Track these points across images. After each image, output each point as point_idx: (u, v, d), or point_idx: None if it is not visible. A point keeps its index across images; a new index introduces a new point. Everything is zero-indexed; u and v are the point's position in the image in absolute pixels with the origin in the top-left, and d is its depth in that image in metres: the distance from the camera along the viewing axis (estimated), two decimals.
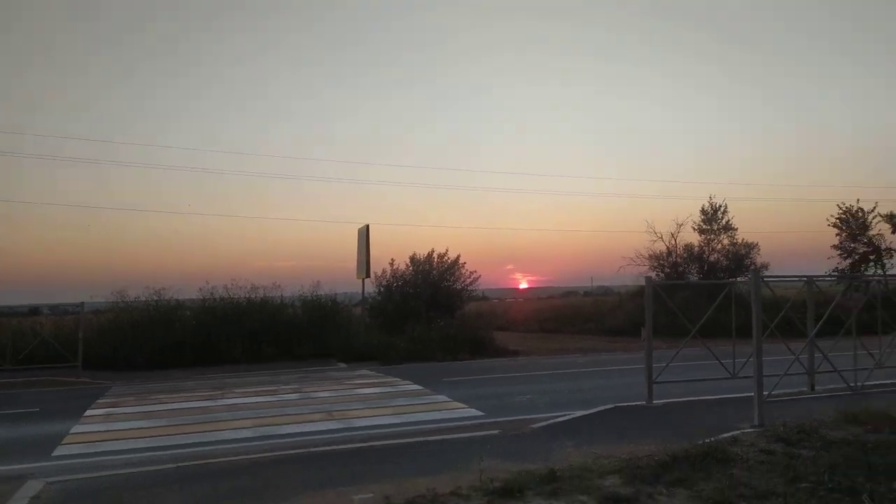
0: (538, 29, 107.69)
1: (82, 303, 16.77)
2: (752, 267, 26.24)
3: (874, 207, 28.58)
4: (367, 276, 20.89)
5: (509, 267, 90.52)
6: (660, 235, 28.45)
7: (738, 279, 22.53)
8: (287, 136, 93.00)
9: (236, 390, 12.45)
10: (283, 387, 12.76)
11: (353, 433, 8.31)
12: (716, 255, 27.83)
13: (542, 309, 35.63)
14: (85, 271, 60.10)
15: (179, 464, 6.88)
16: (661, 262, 28.22)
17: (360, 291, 21.74)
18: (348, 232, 31.18)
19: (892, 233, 28.77)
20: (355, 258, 21.42)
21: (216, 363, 17.26)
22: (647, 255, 28.35)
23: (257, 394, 11.92)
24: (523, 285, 62.14)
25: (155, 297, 19.00)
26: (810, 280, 9.25)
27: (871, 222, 28.37)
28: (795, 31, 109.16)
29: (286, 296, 21.05)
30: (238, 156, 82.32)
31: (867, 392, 8.37)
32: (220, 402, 11.01)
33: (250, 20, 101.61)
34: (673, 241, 28.40)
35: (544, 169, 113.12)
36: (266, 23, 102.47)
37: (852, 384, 8.34)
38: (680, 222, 28.44)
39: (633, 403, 9.44)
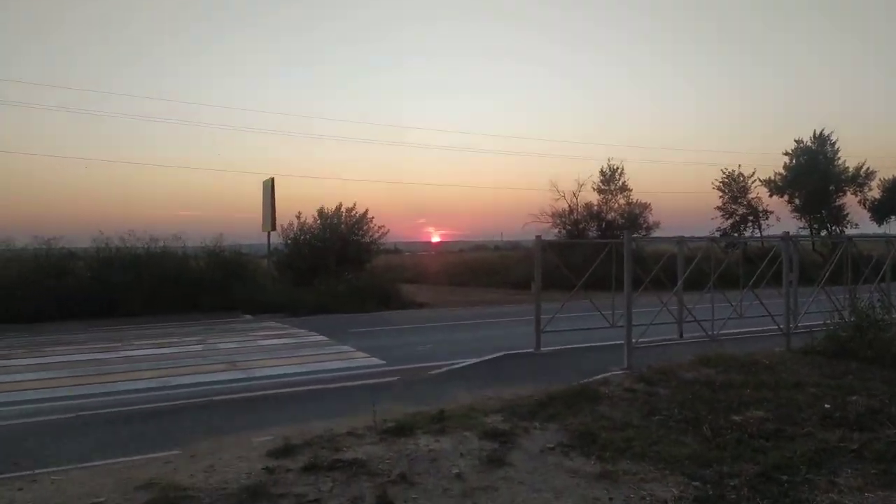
0: None
1: None
2: (645, 225, 28.07)
3: (753, 173, 31.11)
4: (273, 229, 20.76)
5: (421, 221, 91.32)
6: (562, 194, 29.54)
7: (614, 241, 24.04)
8: (190, 81, 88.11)
9: (136, 342, 12.28)
10: (186, 338, 12.70)
11: (256, 382, 8.56)
12: (613, 214, 29.34)
13: (451, 262, 36.28)
14: None
15: (79, 413, 6.93)
16: (564, 219, 29.39)
17: (266, 244, 21.56)
18: (254, 183, 30.42)
19: (770, 196, 31.50)
20: (260, 209, 21.17)
21: (113, 316, 16.75)
22: (550, 212, 29.46)
23: (158, 346, 11.84)
24: (436, 239, 63.11)
25: (44, 247, 18.02)
26: (681, 240, 10.24)
27: (750, 186, 30.88)
28: (697, 6, 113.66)
29: (189, 247, 20.53)
30: (133, 99, 77.32)
31: (723, 339, 9.47)
32: (119, 354, 10.88)
33: None
34: (574, 200, 29.60)
35: (455, 126, 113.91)
36: None
37: (710, 332, 9.41)
38: (581, 182, 29.69)
39: (523, 351, 10.24)
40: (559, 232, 28.96)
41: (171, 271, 18.52)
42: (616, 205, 29.57)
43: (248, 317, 16.99)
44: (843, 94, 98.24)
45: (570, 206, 29.53)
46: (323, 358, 10.36)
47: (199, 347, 11.56)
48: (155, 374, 9.09)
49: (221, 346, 11.74)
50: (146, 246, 19.11)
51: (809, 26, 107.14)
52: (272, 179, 20.44)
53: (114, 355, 10.81)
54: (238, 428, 6.22)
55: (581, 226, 29.26)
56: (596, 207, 29.48)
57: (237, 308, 18.13)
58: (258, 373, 9.17)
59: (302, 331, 13.73)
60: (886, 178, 33.80)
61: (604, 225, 28.92)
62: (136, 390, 8.13)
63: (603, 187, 29.62)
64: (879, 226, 33.80)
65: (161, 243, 19.41)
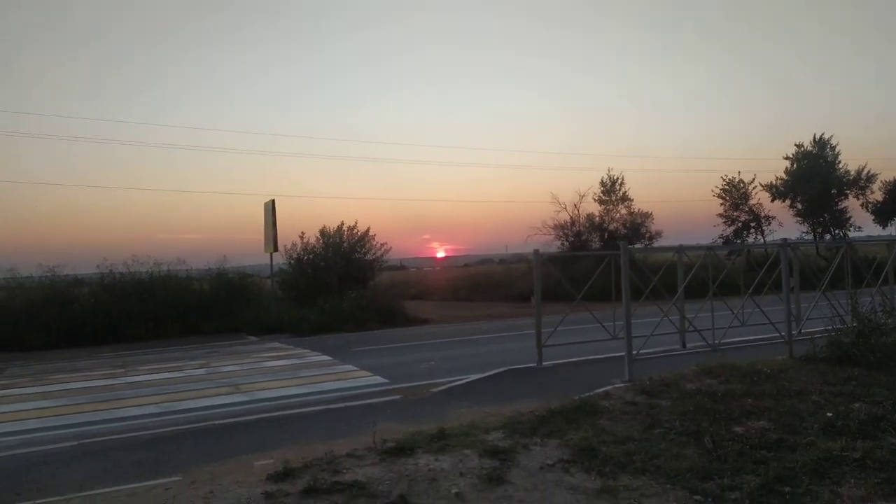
0: (446, 19, 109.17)
1: None
2: (647, 234, 28.07)
3: (753, 179, 31.09)
4: (275, 249, 20.83)
5: (426, 237, 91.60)
6: (564, 206, 29.56)
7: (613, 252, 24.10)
8: (192, 107, 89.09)
9: (140, 368, 12.31)
10: (190, 362, 12.73)
11: (259, 405, 8.56)
12: (615, 225, 29.34)
13: (455, 277, 36.24)
14: None
15: (81, 441, 6.94)
16: (566, 231, 29.39)
17: (269, 264, 21.63)
18: (255, 204, 30.57)
19: (772, 201, 31.45)
20: (262, 230, 21.27)
21: (118, 342, 16.81)
22: (552, 224, 29.45)
23: (162, 370, 11.86)
24: (440, 254, 63.32)
25: (49, 275, 18.15)
26: (680, 249, 10.23)
27: (751, 192, 30.86)
28: (688, 14, 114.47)
29: (192, 269, 20.66)
30: (142, 126, 78.11)
31: (725, 348, 9.44)
32: (122, 380, 10.90)
33: None
34: (576, 211, 29.63)
35: (457, 142, 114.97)
36: None
37: (711, 342, 9.37)
38: (582, 193, 29.71)
39: (525, 366, 10.21)
40: (562, 244, 28.95)
41: (174, 295, 18.60)
42: (618, 215, 29.63)
43: (253, 338, 17.01)
44: (841, 95, 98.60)
45: (571, 217, 29.56)
46: (326, 378, 10.36)
47: (203, 371, 11.57)
48: (158, 400, 9.10)
49: (225, 368, 11.76)
50: (150, 271, 19.24)
51: (805, 27, 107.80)
52: (273, 201, 20.60)
53: (117, 381, 10.83)
54: (239, 452, 6.22)
55: (583, 237, 29.25)
56: (597, 218, 29.51)
57: (242, 330, 18.18)
58: (261, 395, 9.17)
59: (305, 351, 13.74)
60: (888, 180, 33.74)
61: (606, 235, 28.90)
62: (139, 416, 8.14)
63: (604, 198, 29.68)
64: (884, 228, 33.72)
65: (165, 267, 19.55)
